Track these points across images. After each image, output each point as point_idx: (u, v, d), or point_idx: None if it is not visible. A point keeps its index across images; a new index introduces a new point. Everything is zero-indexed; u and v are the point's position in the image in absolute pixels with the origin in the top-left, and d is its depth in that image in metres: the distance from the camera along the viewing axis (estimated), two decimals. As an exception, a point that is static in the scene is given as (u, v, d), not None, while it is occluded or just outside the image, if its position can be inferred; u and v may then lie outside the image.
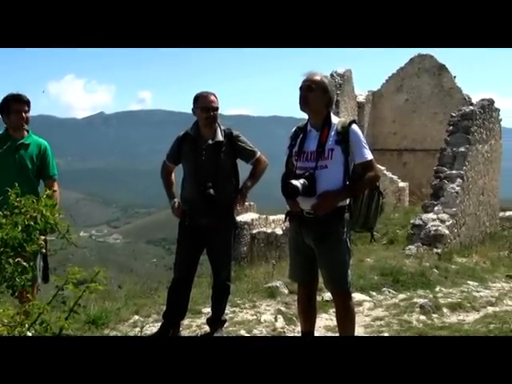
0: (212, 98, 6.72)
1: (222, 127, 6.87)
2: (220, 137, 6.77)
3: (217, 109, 6.75)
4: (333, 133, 5.66)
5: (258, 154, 7.00)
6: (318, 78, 5.71)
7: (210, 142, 6.74)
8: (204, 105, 6.68)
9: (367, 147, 5.66)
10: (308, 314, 6.18)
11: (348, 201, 5.67)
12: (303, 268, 6.02)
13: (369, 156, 5.61)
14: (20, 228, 2.90)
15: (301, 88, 5.73)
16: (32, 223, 2.95)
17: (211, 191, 6.61)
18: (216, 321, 7.07)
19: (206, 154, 6.74)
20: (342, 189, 5.58)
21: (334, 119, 5.77)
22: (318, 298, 6.16)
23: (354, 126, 5.68)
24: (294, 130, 6.04)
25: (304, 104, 5.73)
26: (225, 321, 7.21)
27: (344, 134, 5.61)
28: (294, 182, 5.54)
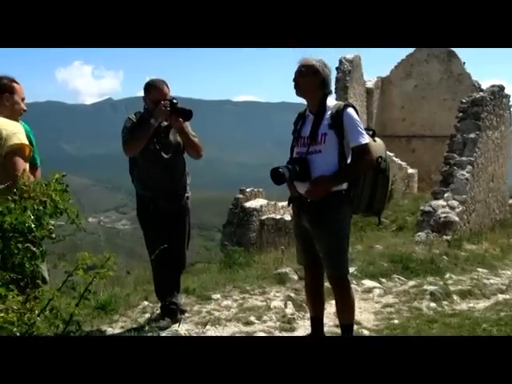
0: (165, 90, 6.71)
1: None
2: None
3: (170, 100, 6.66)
4: (327, 117, 5.63)
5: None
6: (307, 62, 5.69)
7: (166, 123, 6.75)
8: (156, 97, 6.63)
9: (362, 131, 5.59)
10: (315, 298, 6.16)
11: (346, 185, 5.63)
12: (305, 251, 6.04)
13: (363, 140, 5.54)
14: (29, 213, 2.87)
15: (295, 74, 5.75)
16: (41, 208, 2.92)
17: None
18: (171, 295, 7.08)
19: (165, 134, 6.77)
20: (335, 174, 5.55)
21: (331, 102, 5.74)
22: (328, 284, 6.14)
23: (349, 110, 5.62)
24: (296, 115, 6.06)
25: (297, 89, 5.76)
26: (178, 291, 7.26)
27: (338, 118, 5.56)
28: (281, 167, 5.58)
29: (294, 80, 5.73)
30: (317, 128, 5.64)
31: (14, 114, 5.01)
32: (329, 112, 5.63)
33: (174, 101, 6.60)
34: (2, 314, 2.38)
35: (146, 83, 6.80)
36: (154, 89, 6.70)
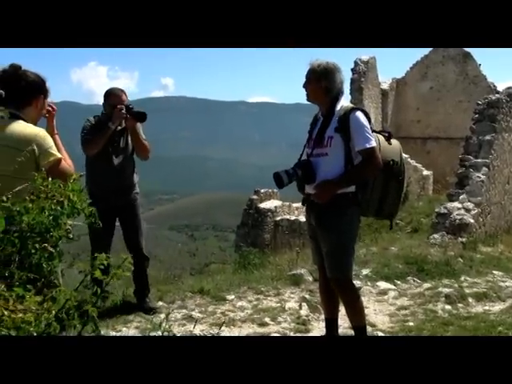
0: (123, 96, 7.47)
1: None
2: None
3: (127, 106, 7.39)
4: (334, 120, 5.64)
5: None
6: (312, 67, 5.74)
7: (120, 127, 7.46)
8: (115, 102, 7.34)
9: (368, 135, 5.56)
10: (330, 299, 6.17)
11: (353, 188, 5.62)
12: (317, 251, 6.03)
13: (368, 144, 5.51)
14: (47, 213, 2.88)
15: (305, 79, 5.79)
16: (59, 208, 2.93)
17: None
18: (142, 292, 7.69)
19: (117, 139, 7.51)
20: (340, 177, 5.55)
21: (340, 106, 5.74)
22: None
23: (357, 113, 5.62)
24: (313, 117, 6.09)
25: (307, 95, 5.82)
26: (148, 290, 7.82)
27: (345, 121, 5.57)
28: (280, 172, 5.67)
29: (304, 86, 5.78)
30: (324, 131, 5.66)
31: (38, 116, 4.92)
32: (336, 115, 5.66)
33: (130, 106, 7.37)
34: (21, 315, 2.39)
35: (106, 91, 7.63)
36: (112, 95, 7.48)
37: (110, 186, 7.39)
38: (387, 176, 5.73)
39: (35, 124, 4.79)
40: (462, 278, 10.20)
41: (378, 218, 6.24)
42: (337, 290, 5.91)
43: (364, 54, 29.87)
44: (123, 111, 7.26)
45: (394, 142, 5.90)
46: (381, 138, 5.76)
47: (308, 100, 5.82)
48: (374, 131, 5.74)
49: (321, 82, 5.65)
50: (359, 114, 5.63)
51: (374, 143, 5.54)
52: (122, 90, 7.60)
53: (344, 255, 5.72)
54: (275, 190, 26.17)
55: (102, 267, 2.79)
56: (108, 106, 7.44)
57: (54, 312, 2.61)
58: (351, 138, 5.53)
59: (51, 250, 2.88)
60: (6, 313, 2.36)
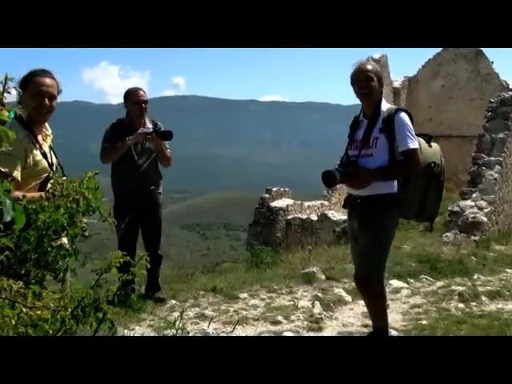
0: (141, 93, 7.86)
1: (148, 118, 8.04)
2: (150, 125, 7.93)
3: (146, 102, 7.89)
4: (379, 121, 5.65)
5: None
6: (368, 67, 5.73)
7: (143, 129, 7.79)
8: (135, 99, 7.79)
9: (412, 136, 5.58)
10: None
11: (396, 189, 5.62)
12: (356, 251, 6.04)
13: (411, 145, 5.53)
14: (62, 211, 2.89)
15: (359, 80, 5.72)
16: (74, 206, 2.94)
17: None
18: (152, 287, 7.96)
19: (141, 143, 7.82)
20: (379, 167, 5.56)
21: (384, 106, 5.76)
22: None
23: (401, 114, 5.63)
24: (352, 118, 6.08)
25: (367, 95, 5.74)
26: (159, 285, 8.08)
27: (389, 122, 5.58)
28: (332, 170, 5.62)
29: (363, 86, 5.70)
30: (370, 132, 5.66)
31: (30, 112, 4.48)
32: (381, 116, 5.66)
33: (157, 128, 7.82)
34: (38, 312, 2.40)
35: (125, 92, 7.97)
36: (132, 94, 7.84)
37: (133, 185, 7.69)
38: (428, 177, 5.80)
39: (40, 114, 4.61)
40: (475, 277, 10.16)
41: (419, 219, 6.28)
42: (361, 289, 5.92)
43: (375, 52, 29.68)
44: (147, 134, 7.66)
45: (434, 144, 5.97)
46: (421, 140, 5.78)
47: (364, 98, 5.76)
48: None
49: (376, 81, 5.69)
50: (403, 114, 5.66)
51: (416, 144, 5.58)
52: (140, 88, 7.97)
53: (378, 255, 5.74)
54: (287, 189, 26.14)
55: (118, 265, 2.80)
56: (130, 105, 7.82)
57: (70, 309, 2.62)
58: (395, 138, 5.56)
59: (67, 247, 2.89)
60: (24, 310, 2.37)
